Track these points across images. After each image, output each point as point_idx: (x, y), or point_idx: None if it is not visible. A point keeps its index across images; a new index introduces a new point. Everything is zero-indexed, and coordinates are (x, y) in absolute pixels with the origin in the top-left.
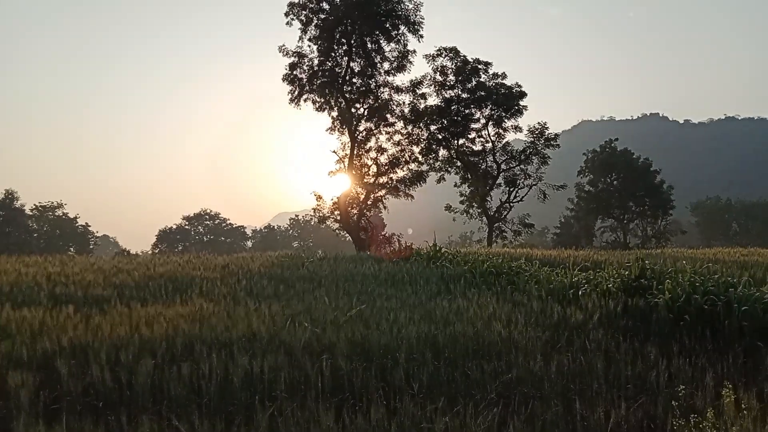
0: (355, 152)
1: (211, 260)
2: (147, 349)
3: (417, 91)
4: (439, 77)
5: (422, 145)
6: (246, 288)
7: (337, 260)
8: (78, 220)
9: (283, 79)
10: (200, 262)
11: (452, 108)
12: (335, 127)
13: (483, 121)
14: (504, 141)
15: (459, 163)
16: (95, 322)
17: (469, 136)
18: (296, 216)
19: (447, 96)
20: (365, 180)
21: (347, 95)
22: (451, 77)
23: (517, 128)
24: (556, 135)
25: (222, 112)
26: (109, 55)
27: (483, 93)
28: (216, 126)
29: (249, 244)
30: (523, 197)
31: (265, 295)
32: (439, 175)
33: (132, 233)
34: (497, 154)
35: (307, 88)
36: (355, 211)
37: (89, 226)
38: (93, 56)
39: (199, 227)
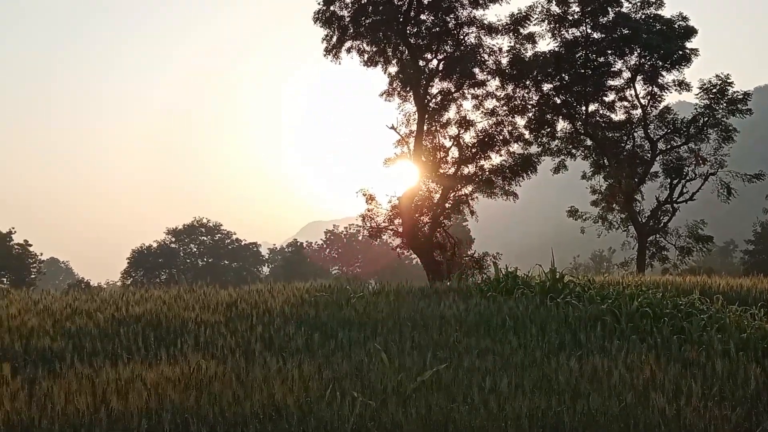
0: (426, 128)
1: (212, 295)
2: (119, 430)
3: (521, 31)
4: (555, 8)
5: (530, 114)
6: (263, 337)
7: (400, 294)
8: (12, 236)
9: (315, 20)
10: (195, 297)
11: (577, 56)
12: (394, 90)
13: (627, 74)
14: (662, 105)
15: (589, 142)
16: (42, 389)
17: (605, 99)
18: (335, 227)
19: (569, 37)
20: (441, 171)
21: (412, 40)
22: (575, 8)
23: (683, 85)
24: (746, 94)
25: (216, 81)
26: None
27: (626, 31)
28: (207, 107)
29: (265, 269)
30: (694, 194)
31: (293, 349)
32: (557, 161)
33: (92, 256)
34: (651, 127)
35: (352, 30)
36: (426, 219)
37: (30, 245)
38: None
39: (192, 245)
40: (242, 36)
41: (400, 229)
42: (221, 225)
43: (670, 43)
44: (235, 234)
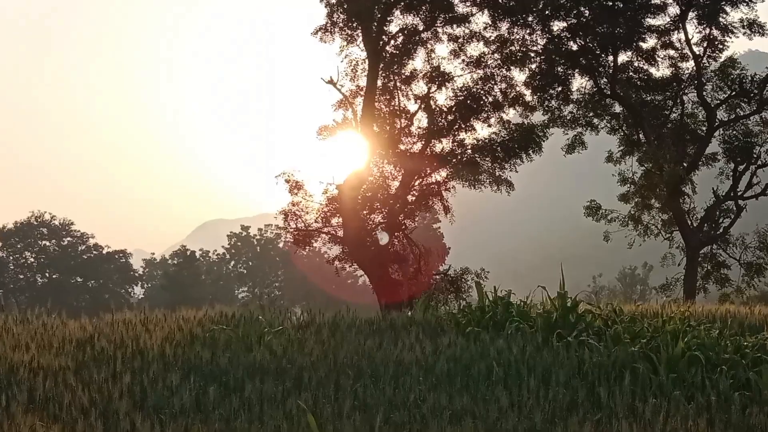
0: (381, 83)
1: (56, 328)
2: None
3: None
4: None
5: (533, 65)
6: (132, 391)
7: (339, 329)
8: None
9: None
10: (30, 331)
11: None
12: (335, 25)
13: (675, 10)
14: (724, 57)
15: (618, 108)
16: None
17: (642, 46)
18: (243, 229)
19: None
20: (403, 147)
21: None
22: None
23: (755, 26)
24: None
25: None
26: None
27: None
28: (60, 52)
29: (139, 290)
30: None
31: (176, 409)
32: (571, 134)
33: None
34: (708, 87)
35: None
36: (379, 218)
37: None
38: None
39: (27, 254)
40: None
41: (341, 233)
42: (72, 224)
43: None
44: (93, 237)
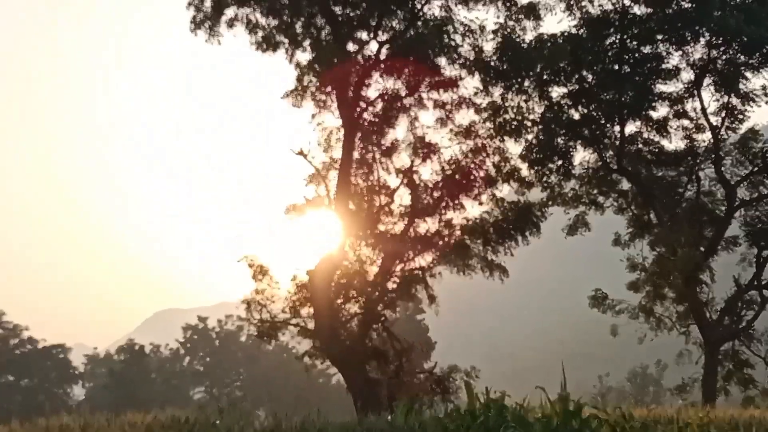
0: (359, 155)
1: None
2: None
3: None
4: None
5: (530, 136)
6: None
7: None
8: None
9: None
10: None
11: (609, 42)
12: (306, 89)
13: (689, 75)
14: (744, 128)
15: (626, 185)
16: None
17: (652, 115)
18: (201, 320)
19: (595, 12)
20: (382, 227)
21: (338, 9)
22: None
23: None
24: None
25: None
26: None
27: (688, 3)
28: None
29: (79, 390)
30: None
31: None
32: (573, 214)
33: None
34: (727, 162)
35: None
36: (355, 309)
37: None
38: None
39: None
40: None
41: (311, 325)
42: (3, 314)
43: (760, 25)
44: (27, 330)
